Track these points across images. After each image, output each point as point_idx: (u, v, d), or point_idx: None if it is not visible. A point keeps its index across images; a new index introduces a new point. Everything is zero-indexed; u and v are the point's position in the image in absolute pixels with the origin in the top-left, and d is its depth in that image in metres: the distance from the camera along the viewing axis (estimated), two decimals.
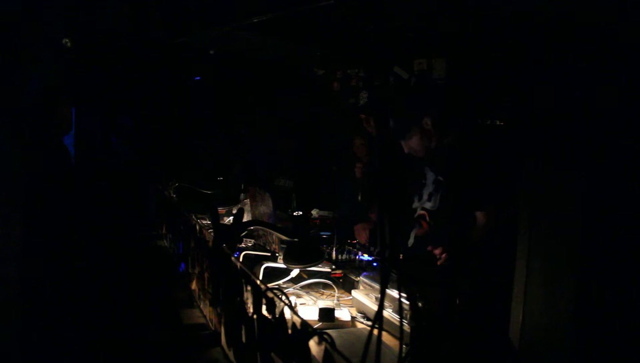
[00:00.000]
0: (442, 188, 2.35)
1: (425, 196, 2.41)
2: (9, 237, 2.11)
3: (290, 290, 2.27)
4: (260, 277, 2.28)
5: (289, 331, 1.30)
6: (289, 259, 2.28)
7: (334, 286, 2.25)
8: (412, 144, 2.42)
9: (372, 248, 2.74)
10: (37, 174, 2.53)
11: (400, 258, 2.36)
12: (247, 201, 3.31)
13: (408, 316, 1.71)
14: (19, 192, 2.14)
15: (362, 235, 2.97)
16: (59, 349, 2.58)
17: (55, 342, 2.59)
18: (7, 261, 2.13)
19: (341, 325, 1.99)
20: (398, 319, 1.78)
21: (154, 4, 4.13)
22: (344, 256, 2.61)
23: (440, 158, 2.40)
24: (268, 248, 2.67)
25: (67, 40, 4.22)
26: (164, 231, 3.90)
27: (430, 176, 2.42)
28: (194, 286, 2.61)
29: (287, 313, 1.37)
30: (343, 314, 2.05)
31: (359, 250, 2.66)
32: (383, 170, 0.95)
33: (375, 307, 1.98)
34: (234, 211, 3.24)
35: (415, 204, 2.46)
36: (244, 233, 2.76)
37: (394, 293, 1.84)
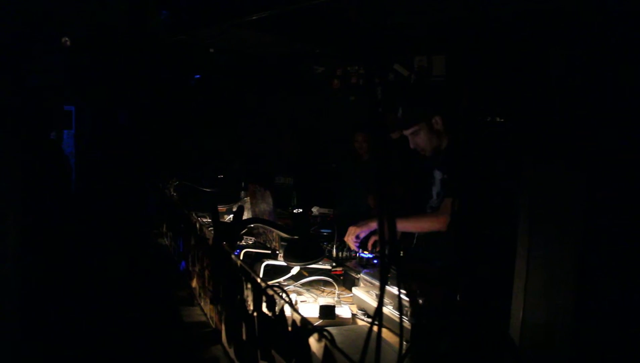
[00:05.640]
0: (447, 187, 2.35)
1: (434, 195, 2.40)
2: (6, 234, 2.10)
3: (291, 287, 2.27)
4: (261, 275, 2.28)
5: (289, 328, 1.30)
6: (290, 257, 2.28)
7: (334, 283, 2.25)
8: (419, 140, 2.39)
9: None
10: (33, 172, 2.53)
11: (401, 255, 2.36)
12: (247, 198, 3.31)
13: (408, 313, 1.71)
14: (15, 189, 2.14)
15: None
16: (59, 347, 2.58)
17: (54, 339, 2.59)
18: (4, 258, 2.12)
19: (342, 322, 1.98)
20: (398, 316, 1.79)
21: (154, 1, 4.13)
22: (345, 254, 2.60)
23: (447, 158, 2.39)
24: (268, 246, 2.67)
25: (66, 38, 4.22)
26: (164, 229, 3.90)
27: (437, 175, 2.41)
28: (194, 284, 2.61)
29: (288, 310, 1.37)
30: (344, 311, 2.05)
31: (359, 247, 2.65)
32: (382, 167, 0.95)
33: (375, 304, 1.98)
34: (234, 209, 3.24)
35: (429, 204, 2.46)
36: (244, 231, 2.75)
37: (394, 290, 1.84)
